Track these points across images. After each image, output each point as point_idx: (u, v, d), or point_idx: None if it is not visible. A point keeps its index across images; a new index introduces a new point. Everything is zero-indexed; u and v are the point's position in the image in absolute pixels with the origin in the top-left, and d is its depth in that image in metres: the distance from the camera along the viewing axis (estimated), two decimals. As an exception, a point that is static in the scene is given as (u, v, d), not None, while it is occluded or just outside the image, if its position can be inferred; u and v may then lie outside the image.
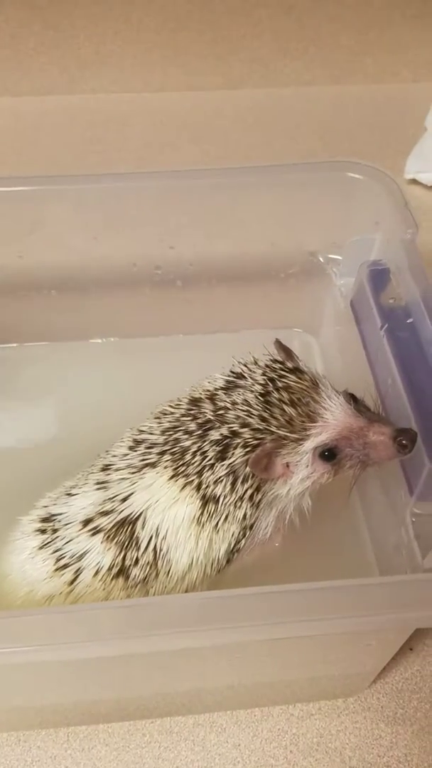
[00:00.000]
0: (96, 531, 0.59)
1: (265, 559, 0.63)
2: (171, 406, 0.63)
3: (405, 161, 1.08)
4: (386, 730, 0.64)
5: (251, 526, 0.60)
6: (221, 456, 0.58)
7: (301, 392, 0.58)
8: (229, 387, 0.60)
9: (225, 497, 0.58)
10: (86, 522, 0.60)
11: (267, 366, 0.61)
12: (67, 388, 0.82)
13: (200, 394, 0.61)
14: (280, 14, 1.36)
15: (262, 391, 0.59)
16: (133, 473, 0.60)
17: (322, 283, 0.79)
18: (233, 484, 0.58)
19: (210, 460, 0.58)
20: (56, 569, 0.60)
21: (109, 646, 0.47)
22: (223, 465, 0.58)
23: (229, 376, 0.61)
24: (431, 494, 0.57)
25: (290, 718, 0.65)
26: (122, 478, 0.60)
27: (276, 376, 0.59)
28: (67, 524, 0.61)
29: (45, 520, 0.62)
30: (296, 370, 0.60)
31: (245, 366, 0.61)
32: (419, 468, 0.57)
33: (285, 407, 0.57)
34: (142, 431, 0.62)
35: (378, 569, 0.68)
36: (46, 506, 0.64)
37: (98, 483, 0.61)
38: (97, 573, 0.59)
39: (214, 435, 0.58)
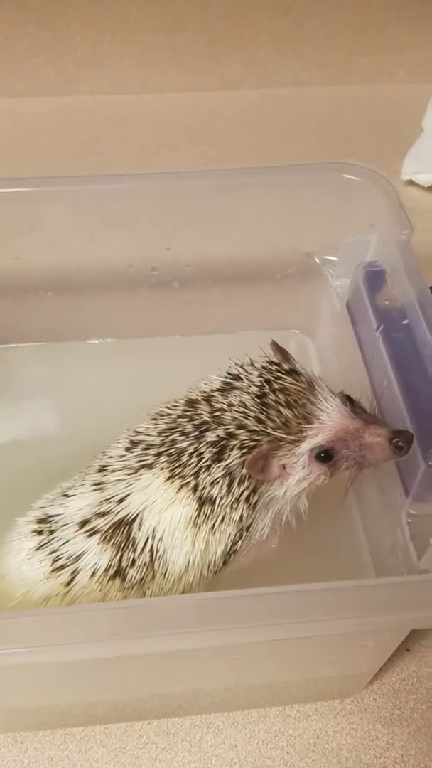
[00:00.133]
0: (93, 532, 0.59)
1: (262, 561, 0.63)
2: (168, 408, 0.63)
3: (402, 162, 1.08)
4: (383, 731, 0.64)
5: (248, 528, 0.60)
6: (218, 457, 0.58)
7: (297, 394, 0.58)
8: (226, 388, 0.60)
9: (221, 499, 0.58)
10: (83, 523, 0.60)
11: (263, 367, 0.61)
12: (63, 388, 0.82)
13: (197, 395, 0.61)
14: (277, 15, 1.36)
15: (259, 393, 0.59)
16: (130, 474, 0.60)
17: (318, 284, 0.79)
18: (230, 485, 0.58)
19: (206, 461, 0.58)
20: (53, 570, 0.60)
21: (106, 647, 0.47)
22: (219, 466, 0.58)
23: (225, 377, 0.61)
24: (427, 495, 0.57)
25: (287, 719, 0.65)
26: (119, 480, 0.60)
27: (272, 378, 0.59)
28: (63, 525, 0.61)
29: (42, 521, 0.62)
30: (292, 372, 0.60)
31: (242, 367, 0.62)
32: (415, 469, 0.57)
33: (281, 409, 0.58)
34: (138, 432, 0.62)
35: (374, 570, 0.68)
36: (42, 507, 0.64)
37: (95, 484, 0.61)
38: (93, 574, 0.59)
39: (211, 436, 0.58)
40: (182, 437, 0.59)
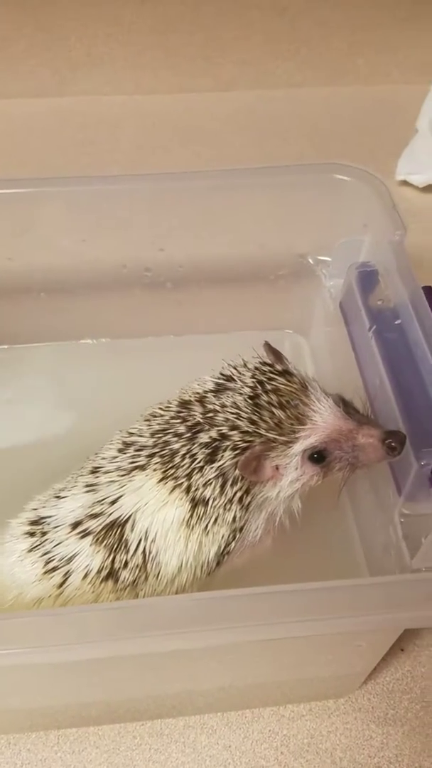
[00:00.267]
0: (85, 534, 0.59)
1: (256, 561, 0.63)
2: (161, 409, 0.63)
3: (396, 162, 1.09)
4: (377, 731, 0.64)
5: (241, 529, 0.60)
6: (210, 459, 0.58)
7: (290, 395, 0.58)
8: (219, 389, 0.60)
9: (214, 500, 0.58)
10: (75, 525, 0.60)
11: (256, 368, 0.61)
12: (57, 388, 0.82)
13: (190, 396, 0.61)
14: (271, 16, 1.37)
15: (251, 394, 0.59)
16: (123, 476, 0.60)
17: (311, 284, 0.79)
18: (222, 486, 0.58)
19: (199, 462, 0.58)
20: (45, 572, 0.60)
21: (99, 648, 0.47)
22: (212, 467, 0.58)
23: (218, 378, 0.61)
24: (419, 495, 0.57)
25: (281, 719, 0.65)
26: (111, 481, 0.60)
27: (265, 379, 0.59)
28: (56, 527, 0.61)
29: (34, 522, 0.62)
30: (285, 373, 0.60)
31: (234, 368, 0.62)
32: (407, 468, 0.57)
33: (274, 410, 0.58)
34: (131, 433, 0.62)
35: (368, 570, 0.68)
36: (35, 509, 0.64)
37: (87, 485, 0.61)
38: (86, 576, 0.59)
39: (204, 438, 0.58)
40: (175, 438, 0.59)
